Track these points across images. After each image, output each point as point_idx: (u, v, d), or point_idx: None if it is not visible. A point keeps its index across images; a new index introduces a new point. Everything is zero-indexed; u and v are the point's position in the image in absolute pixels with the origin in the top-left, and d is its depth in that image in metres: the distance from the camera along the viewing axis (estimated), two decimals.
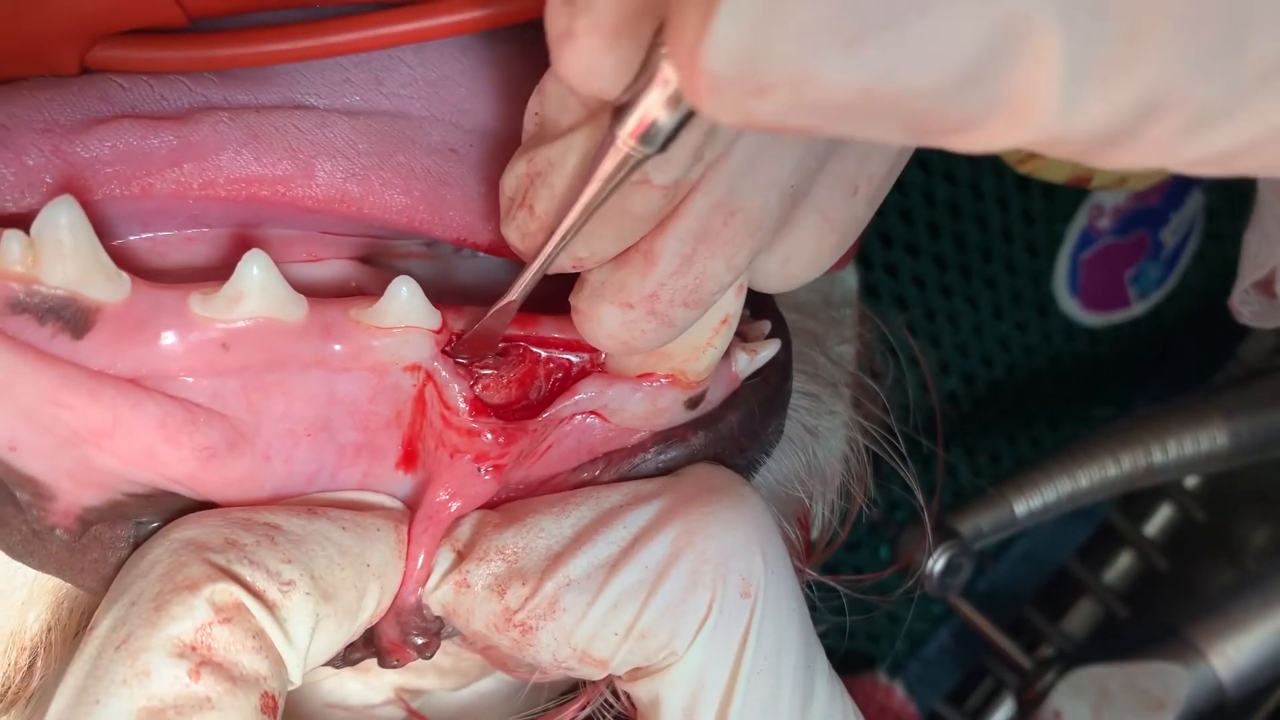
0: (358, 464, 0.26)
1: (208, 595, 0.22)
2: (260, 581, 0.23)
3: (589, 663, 0.26)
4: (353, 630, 0.25)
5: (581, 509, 0.26)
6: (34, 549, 0.24)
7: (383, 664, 0.27)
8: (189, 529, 0.24)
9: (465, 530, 0.26)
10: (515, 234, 0.25)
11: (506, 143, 0.29)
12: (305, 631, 0.23)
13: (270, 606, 0.23)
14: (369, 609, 0.25)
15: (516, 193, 0.24)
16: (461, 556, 0.26)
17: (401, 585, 0.26)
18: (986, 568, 0.56)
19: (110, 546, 0.25)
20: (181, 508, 0.25)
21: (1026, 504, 0.49)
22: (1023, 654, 0.53)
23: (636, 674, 0.26)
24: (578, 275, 0.30)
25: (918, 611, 0.55)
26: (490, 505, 0.27)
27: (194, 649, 0.22)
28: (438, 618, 0.27)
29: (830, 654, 0.29)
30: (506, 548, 0.26)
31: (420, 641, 0.27)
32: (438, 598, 0.26)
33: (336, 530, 0.25)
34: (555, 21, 0.19)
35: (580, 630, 0.25)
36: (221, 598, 0.22)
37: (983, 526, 0.49)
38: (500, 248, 0.28)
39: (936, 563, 0.48)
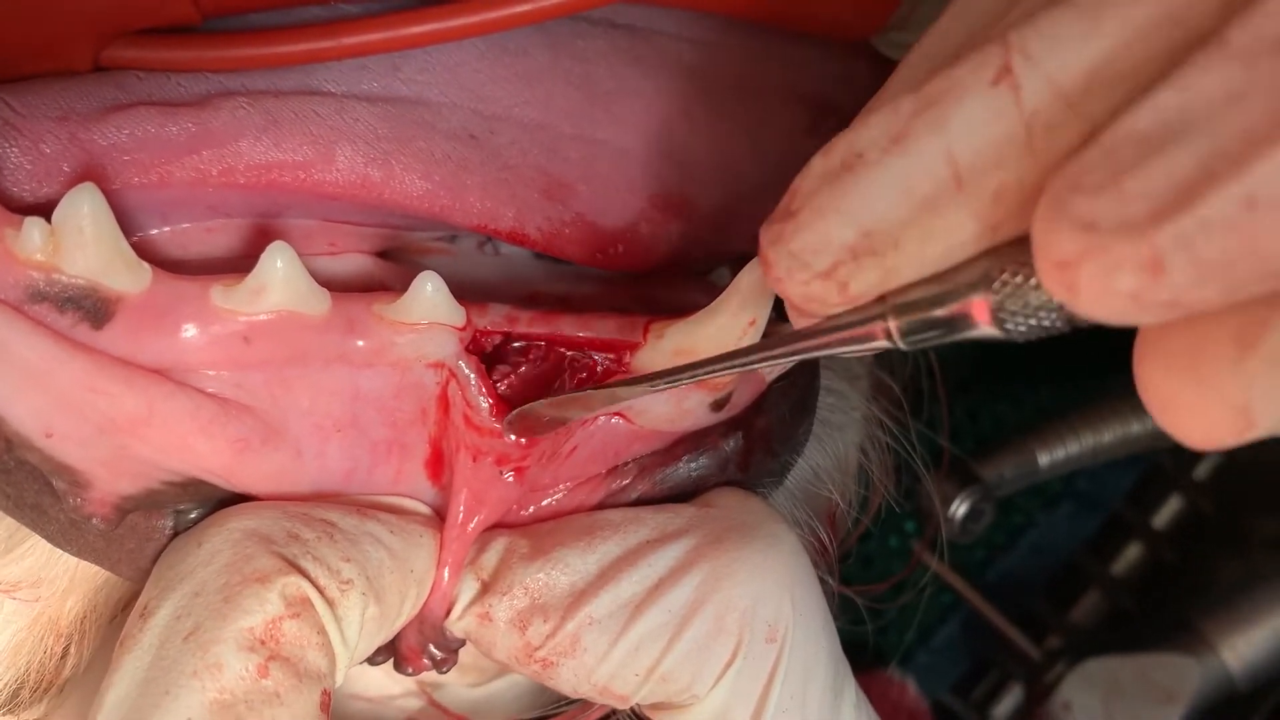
0: (389, 461, 0.26)
1: (280, 588, 0.22)
2: (323, 578, 0.23)
3: (609, 698, 0.26)
4: (389, 633, 0.25)
5: (608, 544, 0.26)
6: (72, 537, 0.24)
7: (398, 669, 0.27)
8: (248, 519, 0.24)
9: (491, 559, 0.26)
10: (801, 291, 0.20)
11: (527, 128, 0.28)
12: (356, 631, 0.23)
13: (330, 603, 0.23)
14: (405, 614, 0.25)
15: (840, 253, 0.19)
16: (486, 587, 0.26)
17: (430, 595, 0.26)
18: (996, 558, 0.56)
19: (147, 537, 0.24)
20: (220, 499, 0.25)
21: (1049, 454, 0.48)
22: (1032, 645, 0.53)
23: (658, 708, 0.26)
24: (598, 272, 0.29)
25: (926, 603, 0.55)
26: (519, 524, 0.27)
27: (264, 643, 0.22)
28: (460, 639, 0.27)
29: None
30: (530, 583, 0.25)
31: (439, 656, 0.27)
32: (461, 626, 0.26)
33: (386, 533, 0.25)
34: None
35: (601, 670, 0.25)
36: (292, 591, 0.22)
37: (1005, 473, 0.48)
38: (520, 236, 0.28)
39: (959, 507, 0.47)
